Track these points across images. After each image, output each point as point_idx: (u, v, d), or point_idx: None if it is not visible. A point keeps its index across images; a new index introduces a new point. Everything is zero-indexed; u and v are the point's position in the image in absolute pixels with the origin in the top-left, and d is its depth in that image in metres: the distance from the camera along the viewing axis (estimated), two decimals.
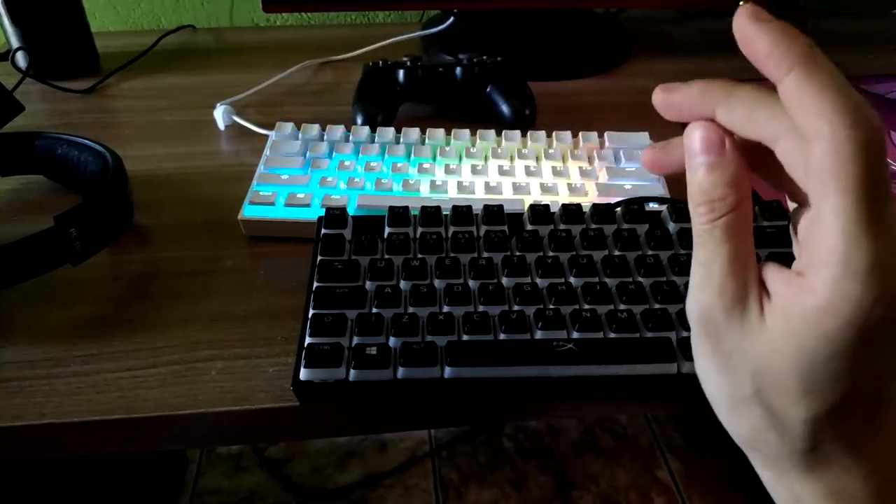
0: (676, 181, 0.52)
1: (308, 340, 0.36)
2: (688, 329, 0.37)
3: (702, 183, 0.25)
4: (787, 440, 0.24)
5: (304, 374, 0.35)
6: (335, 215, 0.42)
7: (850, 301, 0.21)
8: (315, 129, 0.55)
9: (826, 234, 0.21)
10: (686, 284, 0.39)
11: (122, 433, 0.37)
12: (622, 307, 0.38)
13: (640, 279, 0.40)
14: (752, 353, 0.24)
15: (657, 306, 0.39)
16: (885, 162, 0.21)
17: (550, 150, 0.53)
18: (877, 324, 0.21)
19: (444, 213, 0.43)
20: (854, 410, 0.23)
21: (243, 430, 0.39)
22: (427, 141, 0.54)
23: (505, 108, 0.61)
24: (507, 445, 1.28)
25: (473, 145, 0.54)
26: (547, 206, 0.43)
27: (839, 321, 0.21)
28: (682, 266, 0.40)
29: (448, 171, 0.51)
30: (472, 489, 1.20)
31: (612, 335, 0.37)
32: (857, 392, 0.22)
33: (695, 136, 0.25)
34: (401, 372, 0.35)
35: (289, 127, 0.55)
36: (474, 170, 0.51)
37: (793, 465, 0.25)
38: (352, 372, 0.35)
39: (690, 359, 0.33)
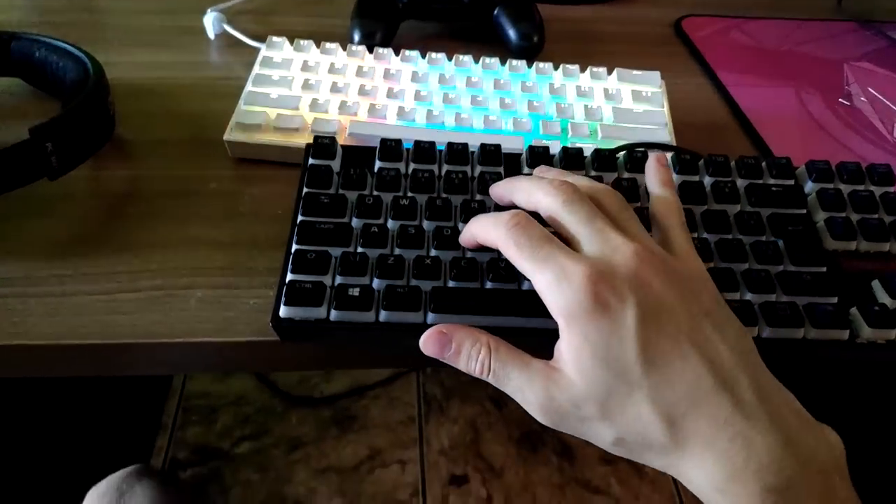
0: (683, 128, 0.50)
1: (289, 277, 0.35)
2: None
3: (460, 363, 0.32)
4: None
5: (283, 311, 0.34)
6: (324, 145, 0.40)
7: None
8: (309, 45, 0.52)
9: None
10: None
11: (97, 358, 0.37)
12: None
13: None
14: (586, 405, 0.29)
15: None
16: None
17: (556, 86, 0.51)
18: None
19: (439, 148, 0.41)
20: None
21: (220, 361, 0.38)
22: (427, 66, 0.52)
23: (512, 34, 0.58)
24: (487, 408, 1.30)
25: (476, 74, 0.51)
26: (546, 148, 0.41)
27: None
28: None
29: (447, 100, 0.49)
30: (454, 404, 1.24)
31: None
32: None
33: (428, 345, 0.32)
34: (383, 315, 0.35)
35: (281, 42, 0.52)
36: (474, 101, 0.49)
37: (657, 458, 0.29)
38: (333, 312, 0.34)
39: None
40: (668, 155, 0.43)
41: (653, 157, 0.37)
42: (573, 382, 0.28)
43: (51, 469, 0.81)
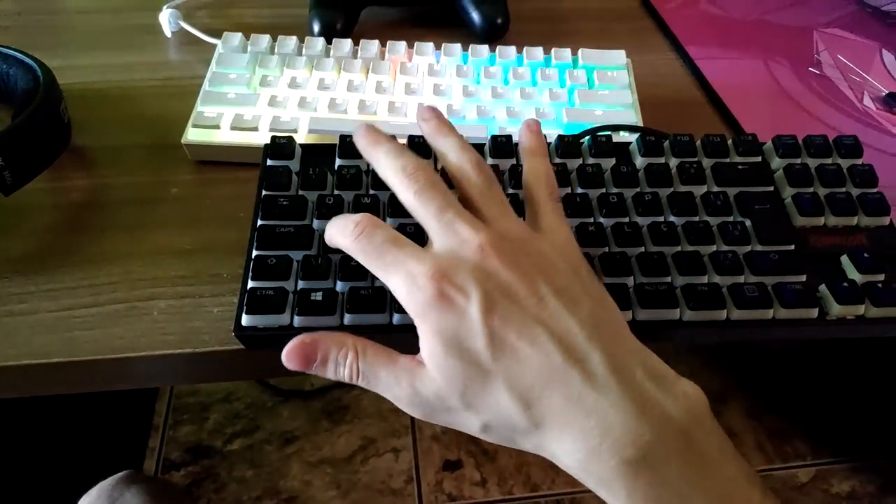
0: (651, 107, 0.49)
1: (250, 284, 0.35)
2: (649, 274, 0.36)
3: (328, 373, 0.31)
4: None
5: (245, 319, 0.34)
6: (281, 144, 0.40)
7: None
8: (265, 40, 0.51)
9: None
10: (649, 225, 0.38)
11: (62, 376, 0.36)
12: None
13: (601, 220, 0.38)
14: (448, 396, 0.29)
15: (616, 249, 0.37)
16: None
17: (520, 69, 0.50)
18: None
19: (400, 142, 0.41)
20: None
21: (186, 372, 0.38)
22: (387, 55, 0.51)
23: (476, 16, 0.56)
24: None
25: (438, 61, 0.50)
26: (509, 137, 0.41)
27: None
28: (647, 206, 0.38)
29: (408, 90, 0.48)
30: None
31: None
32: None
33: (291, 359, 0.31)
34: (347, 318, 0.34)
35: (237, 38, 0.51)
36: (437, 90, 0.48)
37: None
38: (296, 318, 0.34)
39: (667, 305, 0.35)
40: (633, 138, 0.43)
41: (523, 123, 0.36)
42: (433, 377, 0.29)
43: (42, 475, 0.81)
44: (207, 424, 1.16)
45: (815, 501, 1.14)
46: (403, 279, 0.29)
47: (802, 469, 1.17)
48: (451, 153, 0.33)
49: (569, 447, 0.27)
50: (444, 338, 0.28)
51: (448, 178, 0.33)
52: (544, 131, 0.44)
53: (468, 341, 0.28)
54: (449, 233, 0.30)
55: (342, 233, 0.31)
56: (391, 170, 0.32)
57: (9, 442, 0.76)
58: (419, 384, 0.29)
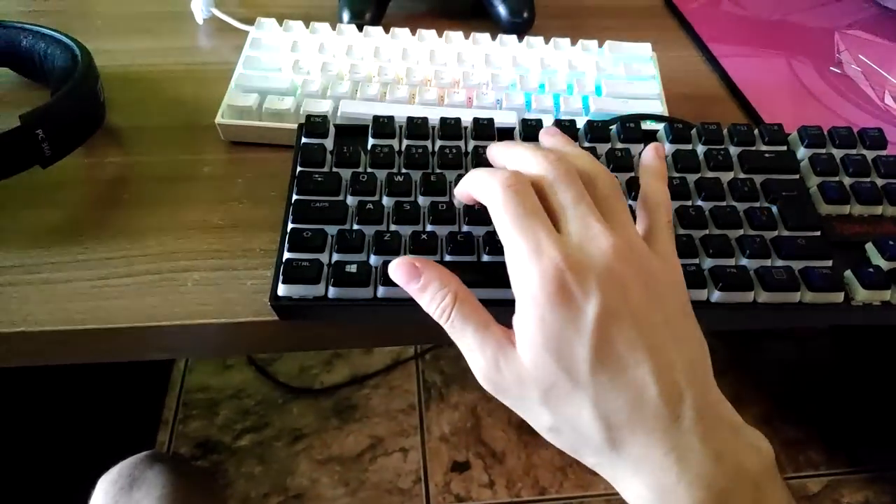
0: (676, 99, 0.50)
1: (286, 256, 0.35)
2: (682, 255, 0.36)
3: (422, 300, 0.31)
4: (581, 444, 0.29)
5: (282, 289, 0.34)
6: (316, 123, 0.40)
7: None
8: (298, 26, 0.52)
9: None
10: (677, 209, 0.38)
11: (96, 343, 0.37)
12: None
13: (630, 202, 0.39)
14: (528, 386, 0.28)
15: None
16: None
17: (547, 60, 0.50)
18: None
19: (432, 125, 0.41)
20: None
21: (220, 343, 0.38)
22: (417, 43, 0.51)
23: (502, 10, 0.57)
24: None
25: (466, 50, 0.51)
26: (539, 121, 0.41)
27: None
28: (675, 190, 0.39)
29: (438, 77, 0.49)
30: (454, 391, 1.24)
31: None
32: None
33: (395, 275, 0.32)
34: (381, 291, 0.35)
35: (270, 23, 0.52)
36: (466, 78, 0.49)
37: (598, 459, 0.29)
38: (331, 289, 0.34)
39: (695, 286, 0.35)
40: (661, 126, 0.43)
41: (651, 147, 0.36)
42: (521, 361, 0.28)
43: (53, 468, 0.81)
44: (217, 420, 1.16)
45: None
46: (529, 251, 0.28)
47: (814, 479, 1.16)
48: (581, 159, 0.32)
49: (642, 479, 0.27)
50: (548, 330, 0.27)
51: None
52: (572, 115, 0.45)
53: (572, 344, 0.27)
54: (582, 224, 0.29)
55: (491, 179, 0.30)
56: (535, 158, 0.31)
57: (21, 431, 0.76)
58: (503, 362, 0.29)
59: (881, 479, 1.16)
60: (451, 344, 0.31)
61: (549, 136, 0.35)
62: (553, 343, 0.27)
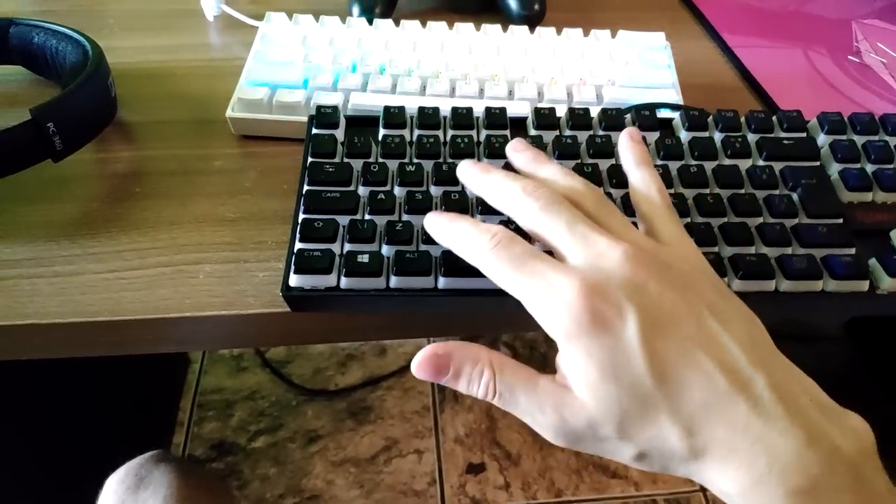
0: (691, 89, 0.49)
1: (298, 246, 0.35)
2: (700, 244, 0.35)
3: (460, 387, 0.29)
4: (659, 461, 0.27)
5: (293, 280, 0.34)
6: (327, 114, 0.40)
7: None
8: (308, 20, 0.52)
9: None
10: (695, 197, 0.38)
11: (108, 335, 0.37)
12: (628, 219, 0.36)
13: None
14: (601, 426, 0.27)
15: None
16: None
17: (560, 50, 0.50)
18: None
19: (443, 115, 0.41)
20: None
21: (232, 335, 0.38)
22: (427, 36, 0.51)
23: (513, 3, 0.57)
24: (504, 352, 1.29)
25: (476, 42, 0.51)
26: (552, 109, 0.41)
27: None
28: (692, 178, 0.38)
29: (449, 69, 0.48)
30: None
31: None
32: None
33: (423, 372, 0.29)
34: (393, 281, 0.34)
35: (280, 17, 0.52)
36: (477, 69, 0.48)
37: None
38: (343, 279, 0.34)
39: None
40: (676, 114, 0.43)
41: (624, 133, 0.34)
42: (585, 404, 0.27)
43: (69, 469, 0.81)
44: (232, 421, 1.16)
45: None
46: (544, 294, 0.27)
47: None
48: (556, 178, 0.31)
49: (732, 475, 0.26)
50: (599, 363, 0.26)
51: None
52: (586, 106, 0.44)
53: (627, 366, 0.26)
54: (584, 245, 0.28)
55: (472, 241, 0.29)
56: (508, 193, 0.30)
57: (35, 433, 0.77)
58: (568, 413, 0.27)
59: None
60: (462, 336, 0.31)
61: (518, 153, 0.34)
62: (609, 372, 0.26)
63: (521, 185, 0.30)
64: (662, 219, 0.31)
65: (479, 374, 0.29)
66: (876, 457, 0.26)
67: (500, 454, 1.16)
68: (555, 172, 0.31)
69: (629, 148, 0.34)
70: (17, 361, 0.38)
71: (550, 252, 0.29)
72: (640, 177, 0.33)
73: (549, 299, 0.27)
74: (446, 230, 0.31)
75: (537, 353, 1.30)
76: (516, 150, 0.34)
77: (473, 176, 0.32)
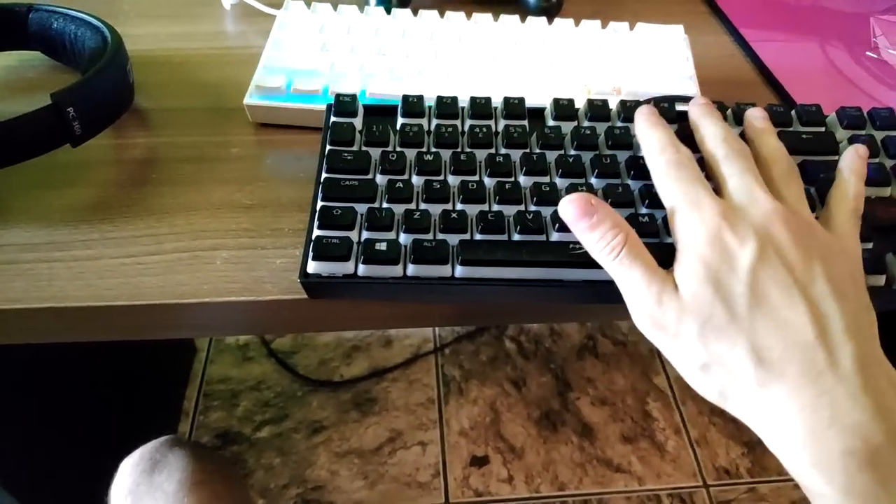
0: (708, 83, 0.49)
1: (316, 233, 0.35)
2: None
3: (591, 237, 0.31)
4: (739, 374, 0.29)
5: (311, 267, 0.34)
6: (345, 102, 0.40)
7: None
8: (327, 8, 0.51)
9: None
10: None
11: (125, 320, 0.37)
12: (644, 211, 0.36)
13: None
14: (687, 319, 0.29)
15: None
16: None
17: (577, 42, 0.50)
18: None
19: (461, 104, 0.41)
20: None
21: (248, 321, 0.38)
22: (445, 26, 0.51)
23: None
24: (509, 346, 1.30)
25: (495, 33, 0.51)
26: (571, 100, 0.41)
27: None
28: None
29: (466, 59, 0.48)
30: (473, 386, 1.24)
31: None
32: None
33: (567, 210, 0.32)
34: (410, 269, 0.34)
35: (299, 6, 0.52)
36: (494, 60, 0.48)
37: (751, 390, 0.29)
38: (360, 267, 0.34)
39: None
40: None
41: (855, 148, 0.37)
42: (681, 296, 0.29)
43: (77, 456, 0.82)
44: (237, 411, 1.17)
45: None
46: (689, 203, 0.30)
47: None
48: (768, 141, 0.35)
49: (789, 419, 0.27)
50: (707, 266, 0.29)
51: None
52: (604, 97, 0.44)
53: (728, 280, 0.28)
54: (745, 192, 0.31)
55: (660, 147, 0.34)
56: (713, 134, 0.34)
57: (36, 420, 0.77)
58: (666, 297, 0.29)
59: None
60: (478, 326, 0.31)
61: (754, 119, 0.37)
62: (712, 276, 0.29)
63: (723, 133, 0.34)
64: (843, 214, 0.33)
65: (614, 234, 0.31)
66: None
67: (504, 447, 1.16)
68: (771, 141, 0.36)
69: (852, 159, 0.36)
70: (24, 349, 0.38)
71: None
72: (849, 181, 0.35)
73: (689, 208, 0.30)
74: (644, 132, 0.35)
75: (542, 347, 1.30)
76: (754, 117, 0.38)
77: (699, 110, 0.37)
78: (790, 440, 0.27)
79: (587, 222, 0.31)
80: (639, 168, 0.38)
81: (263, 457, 1.12)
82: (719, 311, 0.28)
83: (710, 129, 0.35)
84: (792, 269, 0.29)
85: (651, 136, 0.35)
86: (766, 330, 0.28)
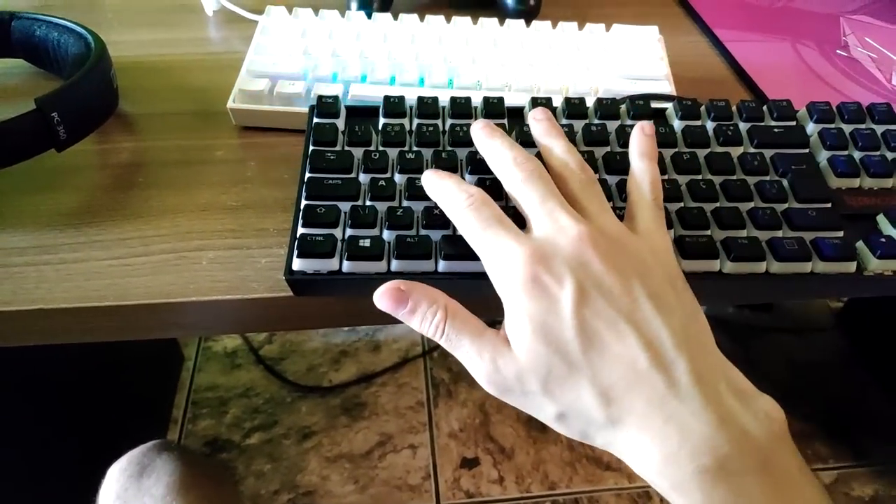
0: (684, 83, 0.50)
1: (301, 231, 0.36)
2: (689, 227, 0.36)
3: (413, 322, 0.31)
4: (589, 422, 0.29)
5: (296, 264, 0.35)
6: (327, 103, 0.41)
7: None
8: (308, 13, 0.52)
9: None
10: (688, 183, 0.39)
11: (113, 320, 0.37)
12: (620, 205, 0.37)
13: None
14: (528, 379, 0.29)
15: None
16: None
17: (555, 43, 0.51)
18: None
19: (442, 105, 0.42)
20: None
21: (235, 319, 0.39)
22: (425, 29, 0.52)
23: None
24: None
25: (474, 36, 0.52)
26: (549, 99, 0.42)
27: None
28: (685, 164, 0.39)
29: (446, 62, 0.49)
30: (462, 388, 1.24)
31: None
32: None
33: (382, 303, 0.31)
34: (395, 265, 0.35)
35: (280, 11, 0.52)
36: (473, 62, 0.49)
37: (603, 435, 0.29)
38: (345, 263, 0.35)
39: (707, 256, 0.36)
40: (670, 104, 0.44)
41: (639, 125, 0.36)
42: (516, 357, 0.29)
43: (66, 464, 0.81)
44: (226, 418, 1.17)
45: None
46: (500, 256, 0.30)
47: (823, 472, 1.16)
48: (558, 151, 0.34)
49: (645, 449, 0.27)
50: (533, 321, 0.28)
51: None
52: (582, 97, 0.45)
53: (557, 329, 0.28)
54: (549, 220, 0.30)
55: (452, 198, 0.32)
56: (503, 158, 0.33)
57: (24, 427, 0.77)
58: (501, 362, 0.29)
59: (890, 472, 1.16)
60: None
61: (536, 122, 0.36)
62: (540, 331, 0.28)
63: (513, 154, 0.33)
64: (644, 210, 0.33)
65: (433, 314, 0.31)
66: (788, 439, 0.28)
67: (494, 448, 1.16)
68: (559, 147, 0.34)
69: (638, 140, 0.36)
70: (14, 357, 0.39)
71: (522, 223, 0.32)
72: (640, 168, 0.35)
73: (501, 260, 0.30)
74: (434, 185, 0.34)
75: None
76: (536, 119, 0.37)
77: (479, 137, 0.36)
78: (650, 468, 0.28)
79: (403, 309, 0.31)
80: (614, 164, 0.39)
81: (254, 463, 1.12)
82: (556, 362, 0.28)
83: (499, 153, 0.34)
84: (613, 299, 0.28)
85: (443, 184, 0.33)
86: (604, 369, 0.28)
